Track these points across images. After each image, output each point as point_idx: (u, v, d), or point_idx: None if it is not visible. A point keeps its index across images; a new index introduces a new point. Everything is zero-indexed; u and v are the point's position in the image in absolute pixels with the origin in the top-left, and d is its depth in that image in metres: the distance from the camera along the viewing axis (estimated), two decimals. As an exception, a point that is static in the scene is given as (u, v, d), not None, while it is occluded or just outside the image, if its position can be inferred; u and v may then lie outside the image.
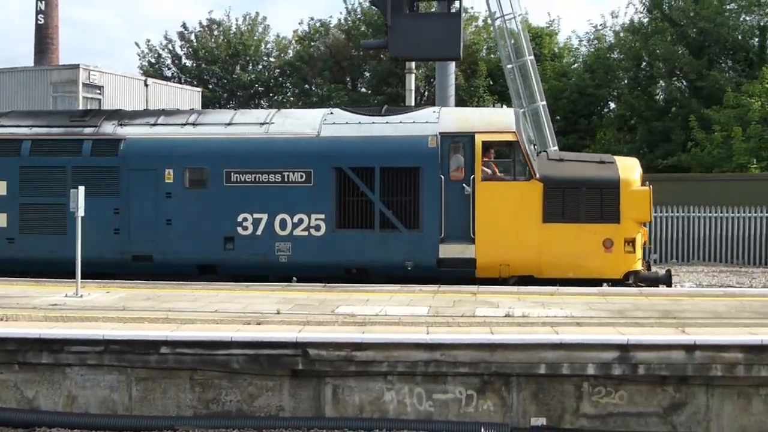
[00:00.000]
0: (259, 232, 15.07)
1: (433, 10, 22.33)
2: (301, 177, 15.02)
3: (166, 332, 9.25)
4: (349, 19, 42.73)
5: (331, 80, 40.14)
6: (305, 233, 14.96)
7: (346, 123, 15.38)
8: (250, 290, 13.03)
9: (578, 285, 13.75)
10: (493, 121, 15.40)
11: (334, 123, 15.41)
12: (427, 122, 15.24)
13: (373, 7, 30.22)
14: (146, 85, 33.41)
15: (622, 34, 37.20)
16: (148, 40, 47.84)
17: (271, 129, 15.48)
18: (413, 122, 15.25)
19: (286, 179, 15.04)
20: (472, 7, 48.48)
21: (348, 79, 42.50)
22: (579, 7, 67.70)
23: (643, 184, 15.02)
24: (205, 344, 9.08)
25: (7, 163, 15.52)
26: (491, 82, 36.93)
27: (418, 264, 14.73)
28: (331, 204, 14.88)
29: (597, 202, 14.63)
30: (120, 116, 16.13)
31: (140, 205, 15.23)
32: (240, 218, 15.10)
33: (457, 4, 20.33)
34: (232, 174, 15.12)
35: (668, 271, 15.66)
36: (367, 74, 41.98)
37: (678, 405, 8.95)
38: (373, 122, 15.35)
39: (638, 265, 15.00)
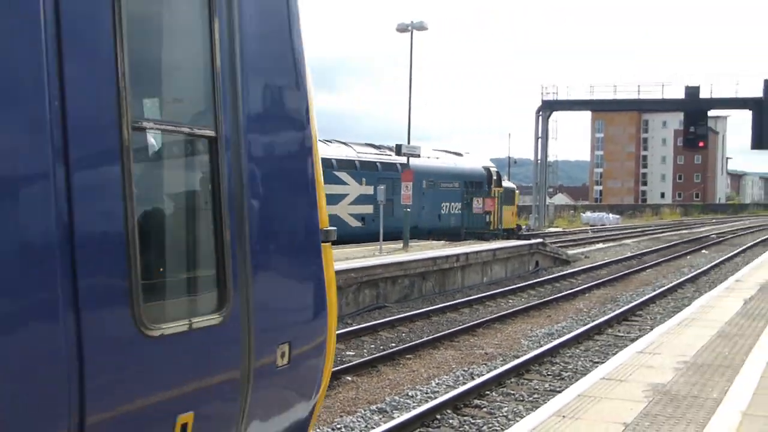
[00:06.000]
0: (446, 212, 32.66)
1: None
2: (455, 185, 33.19)
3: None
4: None
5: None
6: (456, 212, 32.83)
7: (464, 159, 35.07)
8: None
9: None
10: (489, 162, 37.41)
11: (457, 159, 34.93)
12: (477, 161, 36.26)
13: None
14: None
15: None
16: None
17: (440, 162, 33.26)
18: (475, 160, 35.92)
19: (450, 186, 32.86)
20: None
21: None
22: None
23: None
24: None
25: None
26: None
27: (482, 227, 31.84)
28: (462, 198, 32.57)
29: (511, 196, 37.64)
30: (397, 149, 28.73)
31: (418, 200, 29.26)
32: (443, 205, 32.55)
33: None
34: (441, 184, 32.36)
35: (519, 225, 40.01)
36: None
37: None
38: (470, 161, 35.43)
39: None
